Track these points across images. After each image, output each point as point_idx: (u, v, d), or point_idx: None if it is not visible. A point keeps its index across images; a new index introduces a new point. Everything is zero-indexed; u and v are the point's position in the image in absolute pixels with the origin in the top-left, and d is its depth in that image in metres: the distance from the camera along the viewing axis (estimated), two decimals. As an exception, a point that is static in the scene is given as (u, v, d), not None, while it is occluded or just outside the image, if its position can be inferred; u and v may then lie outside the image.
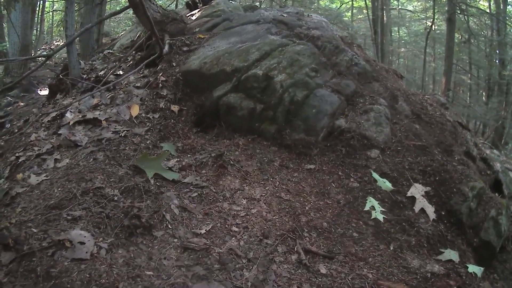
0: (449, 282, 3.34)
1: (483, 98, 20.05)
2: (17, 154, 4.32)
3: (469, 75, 21.15)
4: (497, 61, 19.00)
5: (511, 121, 17.72)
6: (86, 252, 2.96)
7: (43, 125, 4.89)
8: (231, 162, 4.35)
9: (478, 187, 4.34)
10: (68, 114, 4.82)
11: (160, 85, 5.27)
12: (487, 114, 17.41)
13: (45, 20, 22.56)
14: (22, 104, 9.05)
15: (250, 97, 4.95)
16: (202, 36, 6.28)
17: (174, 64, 5.63)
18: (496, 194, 4.74)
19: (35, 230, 3.04)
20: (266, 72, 4.94)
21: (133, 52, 6.38)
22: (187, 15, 7.77)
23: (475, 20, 19.47)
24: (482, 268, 3.68)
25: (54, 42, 19.84)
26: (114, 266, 2.94)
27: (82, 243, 3.01)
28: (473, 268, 3.63)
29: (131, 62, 6.16)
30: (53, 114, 4.96)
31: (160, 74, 5.43)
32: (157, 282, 2.88)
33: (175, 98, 5.25)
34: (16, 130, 5.24)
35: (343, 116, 4.94)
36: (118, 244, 3.17)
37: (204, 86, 5.24)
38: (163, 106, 5.06)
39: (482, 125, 19.66)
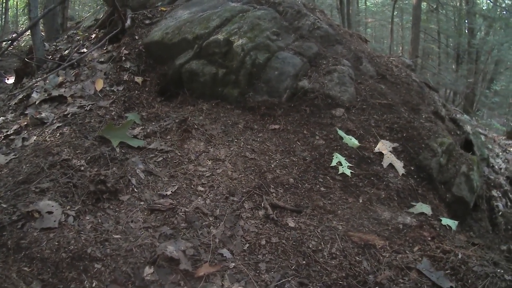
0: (422, 233, 3.38)
1: (453, 66, 20.26)
2: (-15, 140, 4.28)
3: (438, 43, 21.33)
4: (466, 30, 19.21)
5: (482, 88, 18.00)
6: (54, 221, 2.96)
7: (10, 108, 4.89)
8: (195, 127, 4.36)
9: (447, 143, 4.43)
10: (34, 94, 4.83)
11: (123, 58, 5.26)
12: (457, 81, 17.63)
13: (10, 10, 22.15)
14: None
15: (212, 62, 4.96)
16: (164, 9, 6.25)
17: (136, 37, 5.62)
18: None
19: (4, 206, 3.03)
20: (227, 37, 4.94)
21: (96, 29, 6.32)
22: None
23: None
24: (456, 222, 3.73)
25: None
26: (82, 232, 2.95)
27: (50, 212, 3.01)
28: (446, 221, 3.69)
29: (95, 39, 6.10)
30: (20, 96, 4.96)
31: (123, 48, 5.41)
32: (125, 245, 2.90)
33: (138, 70, 5.27)
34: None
35: (306, 77, 4.96)
36: (85, 210, 3.17)
37: (166, 56, 5.24)
38: (127, 79, 5.07)
39: (453, 93, 19.89)
